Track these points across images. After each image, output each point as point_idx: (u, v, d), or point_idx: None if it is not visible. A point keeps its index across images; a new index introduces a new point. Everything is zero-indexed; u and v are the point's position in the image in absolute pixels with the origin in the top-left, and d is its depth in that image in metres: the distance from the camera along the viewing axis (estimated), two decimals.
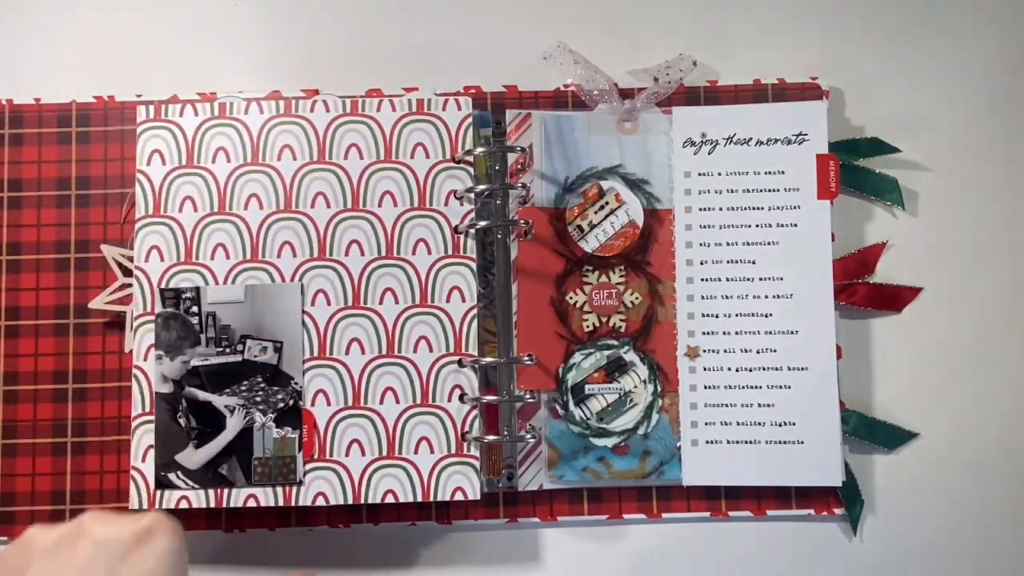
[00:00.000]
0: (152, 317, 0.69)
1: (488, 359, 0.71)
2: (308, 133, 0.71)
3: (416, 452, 0.69)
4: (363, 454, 0.69)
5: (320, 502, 0.68)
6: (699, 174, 0.74)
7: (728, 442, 0.72)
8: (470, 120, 0.72)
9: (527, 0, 0.77)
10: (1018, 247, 0.76)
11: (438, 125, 0.72)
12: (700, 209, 0.73)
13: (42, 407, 0.72)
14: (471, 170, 0.71)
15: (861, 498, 0.73)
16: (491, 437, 0.70)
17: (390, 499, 0.69)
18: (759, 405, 0.72)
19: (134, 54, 0.76)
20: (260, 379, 0.69)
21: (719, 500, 0.73)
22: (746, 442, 0.72)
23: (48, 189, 0.74)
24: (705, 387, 0.73)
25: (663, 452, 0.72)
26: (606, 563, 0.73)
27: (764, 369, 0.72)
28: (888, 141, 0.75)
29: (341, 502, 0.68)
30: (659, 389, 0.73)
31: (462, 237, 0.71)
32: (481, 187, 0.71)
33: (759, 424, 0.72)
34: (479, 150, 0.71)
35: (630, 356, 0.73)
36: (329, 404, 0.69)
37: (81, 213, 0.74)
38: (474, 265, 0.71)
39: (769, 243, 0.73)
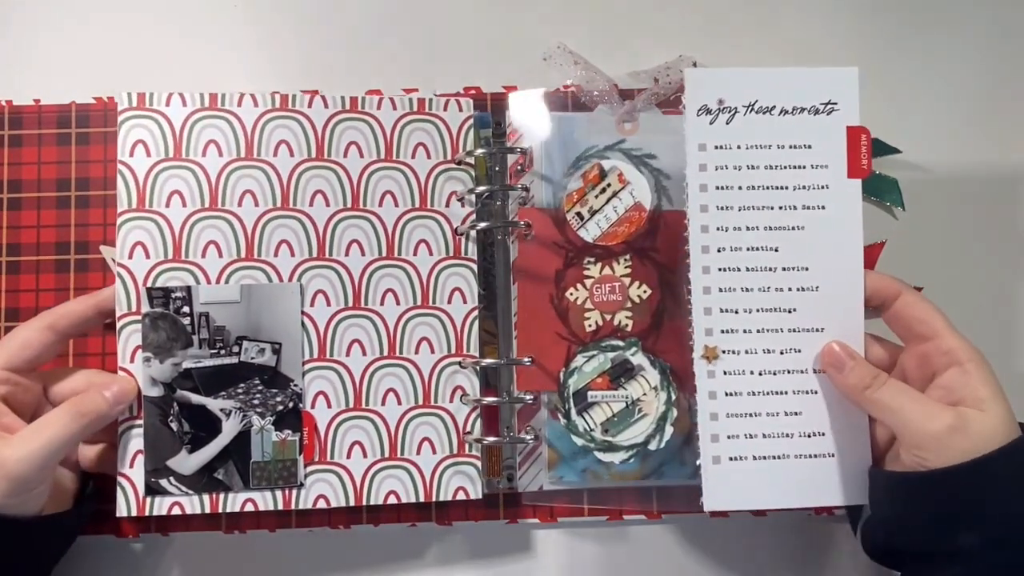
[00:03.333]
0: (138, 317, 0.61)
1: (488, 360, 0.65)
2: (306, 129, 0.64)
3: (418, 453, 0.64)
4: (364, 456, 0.63)
5: (321, 504, 0.62)
6: (715, 147, 0.60)
7: (754, 458, 0.60)
8: (471, 122, 0.66)
9: (527, 0, 0.72)
10: (1018, 247, 0.71)
11: (439, 125, 0.65)
12: (717, 188, 0.60)
13: None
14: (472, 171, 0.66)
15: None
16: (491, 438, 0.64)
17: (392, 500, 0.63)
18: (785, 414, 0.59)
19: (134, 55, 0.70)
20: (258, 381, 0.62)
21: None
22: (774, 457, 0.59)
23: (48, 190, 0.67)
24: (727, 394, 0.60)
25: (663, 453, 0.65)
26: (606, 563, 0.68)
27: (789, 372, 0.59)
28: (888, 141, 0.69)
29: (343, 504, 0.62)
30: (673, 397, 0.64)
31: (463, 239, 0.65)
32: (481, 188, 0.65)
33: (787, 436, 0.59)
34: (479, 151, 0.65)
35: (638, 358, 0.65)
36: (330, 406, 0.63)
37: (81, 214, 0.67)
38: (475, 266, 0.65)
39: (794, 228, 0.60)
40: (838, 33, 0.72)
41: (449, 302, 0.64)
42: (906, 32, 0.72)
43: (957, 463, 0.52)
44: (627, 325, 0.65)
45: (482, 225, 0.65)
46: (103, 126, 0.68)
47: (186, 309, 0.61)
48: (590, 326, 0.65)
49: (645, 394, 0.64)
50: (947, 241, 0.70)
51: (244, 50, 0.70)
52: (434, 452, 0.63)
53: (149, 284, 0.61)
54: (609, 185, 0.65)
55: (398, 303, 0.64)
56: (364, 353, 0.63)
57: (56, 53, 0.70)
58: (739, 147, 0.60)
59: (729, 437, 0.60)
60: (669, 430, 0.64)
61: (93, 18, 0.70)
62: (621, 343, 0.65)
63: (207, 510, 0.61)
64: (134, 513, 0.60)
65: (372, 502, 0.62)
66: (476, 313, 0.65)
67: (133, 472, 0.60)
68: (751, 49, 0.71)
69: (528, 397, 0.65)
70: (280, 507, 0.61)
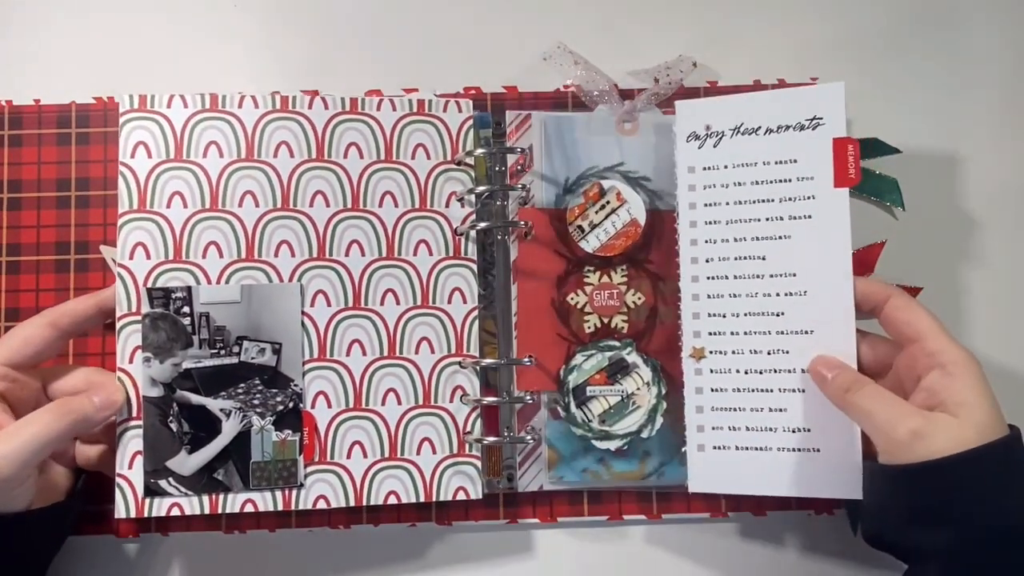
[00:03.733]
0: (138, 317, 0.60)
1: (488, 360, 0.64)
2: (306, 130, 0.63)
3: (418, 453, 0.63)
4: (364, 456, 0.62)
5: (321, 505, 0.61)
6: (704, 168, 0.63)
7: (737, 448, 0.62)
8: (471, 123, 0.65)
9: (527, 0, 0.71)
10: (1019, 247, 0.69)
11: (439, 126, 0.65)
12: (705, 205, 0.63)
13: None
14: (471, 172, 0.65)
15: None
16: (491, 438, 0.63)
17: (392, 500, 0.62)
18: (770, 410, 0.61)
19: (134, 55, 0.69)
20: (258, 381, 0.61)
21: (719, 501, 0.67)
22: (756, 448, 0.62)
23: (48, 190, 0.67)
24: (712, 390, 0.62)
25: (663, 453, 0.65)
26: (606, 563, 0.67)
27: (776, 372, 0.61)
28: (888, 141, 0.68)
29: (343, 504, 0.61)
30: (663, 392, 0.65)
31: (462, 239, 0.64)
32: (481, 188, 0.64)
33: (770, 430, 0.61)
34: (479, 151, 0.64)
35: (632, 357, 0.65)
36: (330, 406, 0.62)
37: (81, 214, 0.66)
38: (475, 266, 0.64)
39: (780, 237, 0.62)
40: (837, 32, 0.71)
41: (449, 302, 0.64)
42: (906, 31, 0.71)
43: (918, 461, 0.52)
44: (623, 327, 0.66)
45: (482, 225, 0.64)
46: (103, 126, 0.67)
47: (186, 309, 0.60)
48: (589, 328, 0.66)
49: (639, 389, 0.65)
50: (947, 241, 0.69)
51: (244, 50, 0.69)
52: (434, 452, 0.62)
53: (149, 284, 0.60)
54: (608, 203, 0.66)
55: (398, 303, 0.63)
56: (364, 353, 0.62)
57: (56, 53, 0.69)
58: (726, 167, 0.63)
59: (713, 428, 0.62)
60: (659, 420, 0.65)
61: (93, 18, 0.69)
62: (618, 343, 0.66)
63: (207, 511, 0.60)
64: (133, 514, 0.59)
65: (372, 502, 0.61)
66: (476, 313, 0.64)
67: (132, 473, 0.59)
68: (752, 47, 0.70)
69: (528, 397, 0.64)
70: (280, 508, 0.60)
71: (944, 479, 0.52)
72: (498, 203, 0.66)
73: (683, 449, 0.63)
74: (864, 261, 0.66)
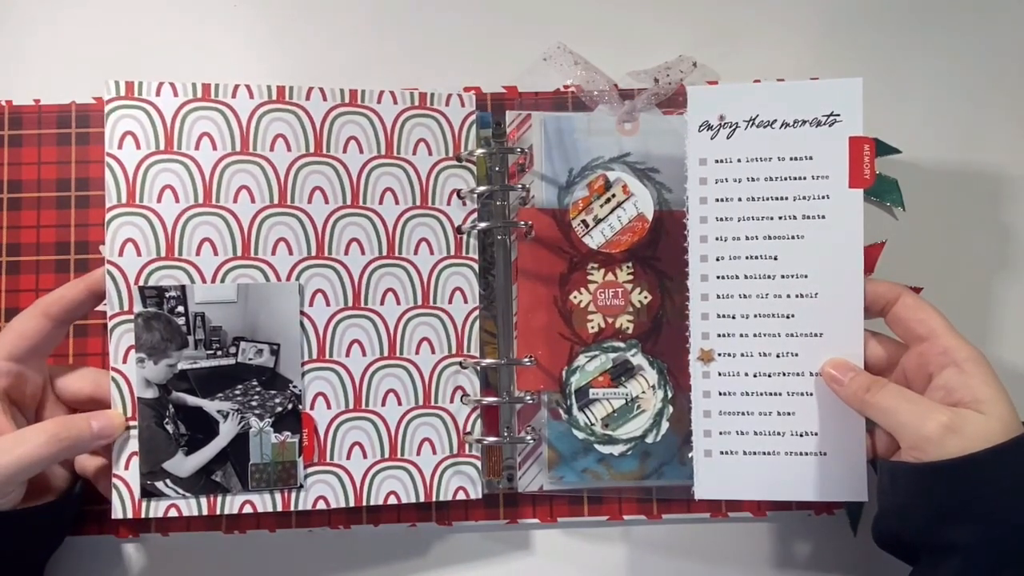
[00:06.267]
0: (130, 317, 0.56)
1: (488, 360, 0.62)
2: (304, 122, 0.60)
3: (418, 453, 0.60)
4: (364, 456, 0.59)
5: (321, 506, 0.58)
6: (716, 161, 0.59)
7: (744, 453, 0.59)
8: (473, 118, 0.62)
9: (527, 0, 0.68)
10: (1018, 247, 0.67)
11: (441, 121, 0.61)
12: (716, 200, 0.59)
13: None
14: (473, 169, 0.62)
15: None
16: (491, 438, 0.61)
17: (392, 500, 0.59)
18: (778, 413, 0.58)
19: (134, 55, 0.67)
20: (256, 383, 0.58)
21: (719, 501, 0.64)
22: (764, 453, 0.58)
23: (48, 190, 0.64)
24: (720, 393, 0.59)
25: (663, 453, 0.62)
26: (606, 564, 0.65)
27: (784, 375, 0.58)
28: (888, 141, 0.66)
29: (343, 505, 0.59)
30: (669, 395, 0.62)
31: (464, 237, 0.61)
32: (482, 188, 0.61)
33: (778, 434, 0.58)
34: (480, 151, 0.62)
35: (638, 359, 0.62)
36: (329, 407, 0.59)
37: (81, 214, 0.64)
38: (476, 266, 0.62)
39: (793, 237, 0.58)
40: (838, 32, 0.69)
41: (450, 302, 0.61)
42: (906, 32, 0.69)
43: (950, 458, 0.50)
44: (628, 328, 0.63)
45: (482, 225, 0.61)
46: (103, 126, 0.62)
47: (181, 309, 0.57)
48: (592, 328, 0.63)
49: (644, 392, 0.62)
50: (947, 241, 0.67)
51: (244, 50, 0.67)
52: (434, 452, 0.60)
53: (141, 283, 0.56)
54: (614, 195, 0.63)
55: (398, 303, 0.60)
56: (364, 353, 0.59)
57: (56, 53, 0.66)
58: (739, 160, 0.59)
59: (721, 433, 0.59)
60: (665, 425, 0.62)
61: (94, 18, 0.67)
62: (622, 344, 0.63)
63: (204, 512, 0.57)
64: (130, 515, 0.56)
65: (372, 503, 0.59)
66: (477, 313, 0.61)
67: (128, 474, 0.56)
68: (752, 47, 0.68)
69: (528, 397, 0.62)
70: (279, 509, 0.57)
71: (979, 474, 0.50)
72: (498, 203, 0.63)
73: (689, 455, 0.59)
74: (864, 261, 0.63)
